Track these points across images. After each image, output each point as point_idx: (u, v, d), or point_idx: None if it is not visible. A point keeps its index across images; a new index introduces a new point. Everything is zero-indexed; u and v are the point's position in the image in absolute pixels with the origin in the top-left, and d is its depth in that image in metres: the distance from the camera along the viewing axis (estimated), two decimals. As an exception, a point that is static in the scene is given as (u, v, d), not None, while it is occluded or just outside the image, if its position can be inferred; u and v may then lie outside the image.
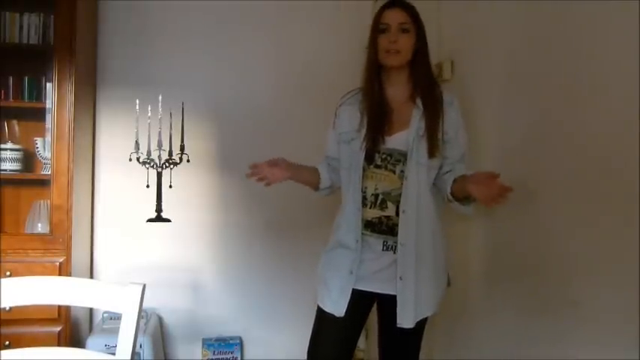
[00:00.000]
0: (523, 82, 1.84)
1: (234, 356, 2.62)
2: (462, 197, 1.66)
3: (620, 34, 1.40)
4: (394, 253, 1.68)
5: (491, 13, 2.02)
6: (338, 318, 1.71)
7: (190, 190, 2.66)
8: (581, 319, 1.52)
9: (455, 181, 1.67)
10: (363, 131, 1.71)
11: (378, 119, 1.71)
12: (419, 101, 1.71)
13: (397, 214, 1.68)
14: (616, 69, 1.41)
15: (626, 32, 1.35)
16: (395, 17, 1.70)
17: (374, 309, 1.82)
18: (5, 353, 1.16)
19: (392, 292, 1.68)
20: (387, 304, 1.70)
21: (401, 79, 1.75)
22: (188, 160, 2.49)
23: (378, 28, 1.72)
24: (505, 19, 1.94)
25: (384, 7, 1.74)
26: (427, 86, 1.73)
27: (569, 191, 1.59)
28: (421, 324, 1.73)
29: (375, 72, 1.74)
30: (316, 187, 1.89)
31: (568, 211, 1.59)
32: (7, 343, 2.14)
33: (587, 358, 1.47)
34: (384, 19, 1.71)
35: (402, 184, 1.67)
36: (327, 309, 1.73)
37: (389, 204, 1.69)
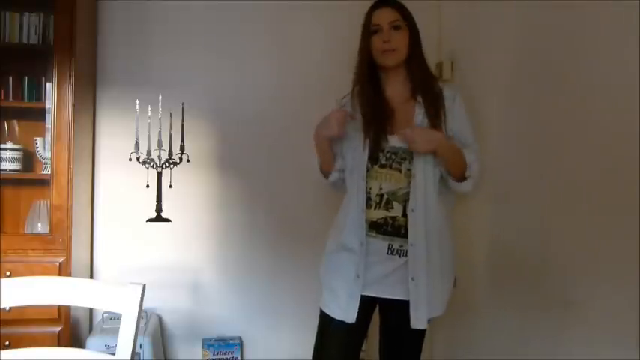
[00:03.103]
0: (523, 82, 1.84)
1: (234, 356, 2.61)
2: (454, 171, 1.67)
3: (620, 34, 1.40)
4: (399, 257, 1.66)
5: (491, 14, 2.02)
6: (345, 324, 1.68)
7: (190, 190, 2.65)
8: (582, 319, 1.52)
9: None
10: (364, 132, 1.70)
11: (378, 119, 1.70)
12: (420, 98, 1.71)
13: (403, 215, 1.67)
14: (616, 69, 1.41)
15: (626, 32, 1.35)
16: (385, 16, 1.69)
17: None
18: (5, 353, 1.16)
19: (401, 297, 1.66)
20: (392, 306, 1.69)
21: (399, 78, 1.75)
22: (188, 160, 2.49)
23: (369, 30, 1.71)
24: (505, 19, 1.94)
25: (372, 9, 1.73)
26: (426, 82, 1.73)
27: (569, 191, 1.59)
28: (425, 324, 1.73)
29: (368, 73, 1.73)
30: (330, 167, 1.81)
31: (568, 211, 1.59)
32: (7, 343, 2.14)
33: (588, 357, 1.47)
34: (375, 19, 1.70)
35: (408, 182, 1.66)
36: (337, 316, 1.70)
37: (395, 204, 1.68)
